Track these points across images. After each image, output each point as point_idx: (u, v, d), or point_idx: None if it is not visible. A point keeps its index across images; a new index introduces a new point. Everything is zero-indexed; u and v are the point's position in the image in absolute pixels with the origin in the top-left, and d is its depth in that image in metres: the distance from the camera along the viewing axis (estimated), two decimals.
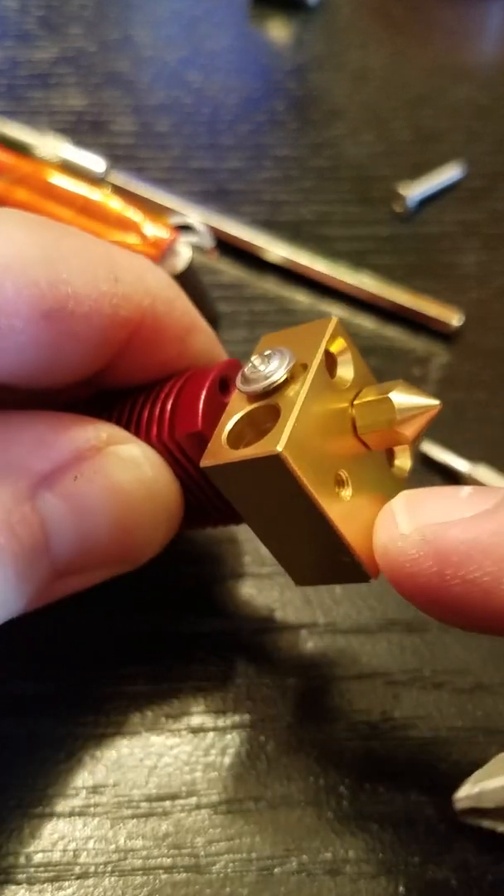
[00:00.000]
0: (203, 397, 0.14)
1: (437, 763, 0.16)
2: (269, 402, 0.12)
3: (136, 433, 0.14)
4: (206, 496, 0.14)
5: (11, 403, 0.13)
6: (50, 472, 0.12)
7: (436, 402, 0.13)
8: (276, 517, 0.13)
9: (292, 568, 0.14)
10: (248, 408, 0.12)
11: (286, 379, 0.12)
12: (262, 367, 0.12)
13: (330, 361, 0.13)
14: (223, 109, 0.33)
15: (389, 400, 0.12)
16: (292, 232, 0.27)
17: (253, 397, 0.12)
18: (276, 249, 0.26)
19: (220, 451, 0.12)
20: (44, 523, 0.12)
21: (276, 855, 0.14)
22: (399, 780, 0.15)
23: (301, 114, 0.33)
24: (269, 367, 0.12)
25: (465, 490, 0.11)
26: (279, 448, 0.11)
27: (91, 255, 0.13)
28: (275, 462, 0.11)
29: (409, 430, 0.13)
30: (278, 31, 0.39)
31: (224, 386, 0.14)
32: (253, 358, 0.13)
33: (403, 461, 0.14)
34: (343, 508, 0.12)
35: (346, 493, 0.13)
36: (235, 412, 0.13)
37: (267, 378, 0.12)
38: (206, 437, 0.13)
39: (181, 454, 0.14)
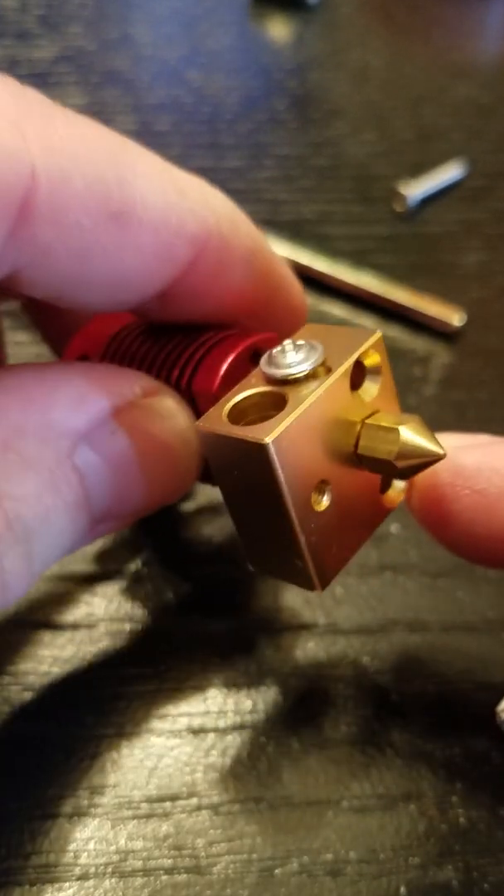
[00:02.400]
0: (228, 361, 0.14)
1: (438, 763, 0.16)
2: (282, 390, 0.12)
3: (161, 373, 0.14)
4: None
5: (65, 324, 0.13)
6: (88, 429, 0.12)
7: (441, 451, 0.13)
8: (248, 500, 0.13)
9: (251, 551, 0.14)
10: (261, 389, 0.12)
11: (307, 375, 0.12)
12: (289, 355, 0.12)
13: (358, 373, 0.13)
14: (223, 108, 0.33)
15: (397, 432, 0.12)
16: (293, 231, 0.27)
17: (270, 380, 0.12)
18: (277, 249, 0.26)
19: (216, 420, 0.12)
20: (83, 479, 0.12)
21: (277, 856, 0.14)
22: (400, 780, 0.15)
23: (301, 113, 0.33)
24: (296, 358, 0.12)
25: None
26: (268, 440, 0.11)
27: (156, 164, 0.12)
28: (259, 450, 0.11)
29: (405, 468, 0.13)
30: (278, 29, 0.39)
31: (256, 356, 0.14)
32: (285, 342, 0.13)
33: (396, 493, 0.14)
34: (312, 516, 0.12)
35: (323, 502, 0.13)
36: (247, 388, 0.13)
37: (290, 367, 0.12)
38: (218, 400, 0.13)
39: (192, 406, 0.14)
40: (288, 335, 0.13)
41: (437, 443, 0.13)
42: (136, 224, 0.12)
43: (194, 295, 0.14)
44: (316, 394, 0.12)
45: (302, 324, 0.14)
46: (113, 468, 0.13)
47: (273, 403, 0.12)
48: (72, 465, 0.12)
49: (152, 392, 0.13)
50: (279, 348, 0.13)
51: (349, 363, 0.12)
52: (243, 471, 0.12)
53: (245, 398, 0.12)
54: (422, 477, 0.13)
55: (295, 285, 0.16)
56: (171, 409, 0.13)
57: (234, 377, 0.13)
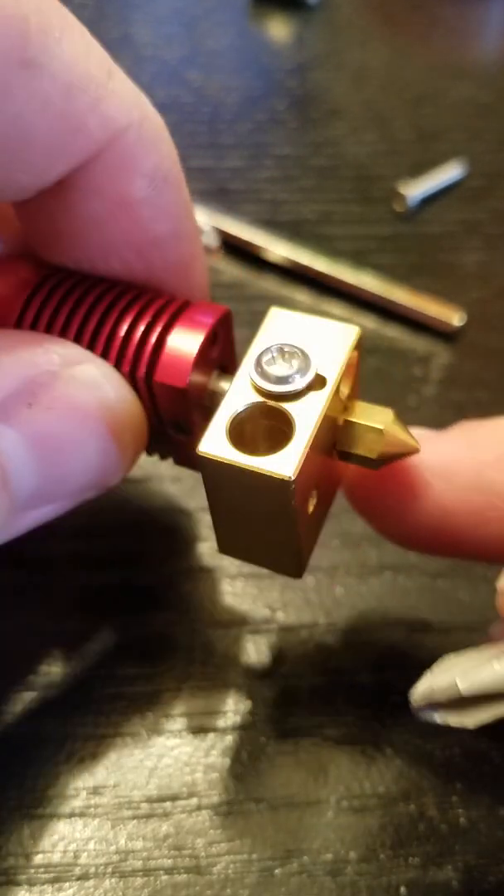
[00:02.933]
0: (196, 353, 0.13)
1: (438, 763, 0.16)
2: (280, 405, 0.12)
3: (97, 349, 0.13)
4: (164, 433, 0.14)
5: None
6: (1, 400, 0.11)
7: (417, 446, 0.13)
8: (244, 511, 0.12)
9: (227, 541, 0.13)
10: (256, 401, 0.12)
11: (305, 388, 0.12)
12: (281, 365, 0.12)
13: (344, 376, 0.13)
14: (223, 108, 0.33)
15: (382, 432, 0.13)
16: (293, 231, 0.27)
17: (264, 393, 0.12)
18: (277, 249, 0.26)
19: (221, 445, 0.11)
20: None
21: (277, 856, 0.14)
22: (400, 780, 0.15)
23: (301, 113, 0.33)
24: (290, 370, 0.12)
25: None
26: (292, 476, 0.11)
27: (86, 37, 0.11)
28: (281, 486, 0.11)
29: (382, 461, 0.13)
30: (278, 29, 0.39)
31: (213, 338, 0.13)
32: (272, 348, 0.12)
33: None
34: (306, 519, 0.13)
35: (313, 503, 0.13)
36: (241, 401, 0.12)
37: (288, 383, 0.12)
38: (188, 395, 0.13)
39: (147, 393, 0.13)
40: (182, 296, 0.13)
41: (412, 437, 0.13)
42: (49, 79, 0.11)
43: (91, 196, 0.12)
44: (321, 411, 0.12)
45: (197, 294, 0.14)
46: (34, 444, 0.12)
47: (273, 417, 0.12)
48: None
49: (74, 360, 0.12)
50: (267, 356, 0.12)
51: (341, 370, 0.12)
52: (250, 494, 0.12)
53: (241, 413, 0.12)
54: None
55: (195, 244, 0.14)
56: (96, 379, 0.12)
57: (201, 366, 0.13)
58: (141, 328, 0.13)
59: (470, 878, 0.14)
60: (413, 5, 0.41)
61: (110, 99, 0.12)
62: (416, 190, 0.28)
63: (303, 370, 0.12)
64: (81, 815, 0.15)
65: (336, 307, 0.25)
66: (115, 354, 0.13)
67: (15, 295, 0.14)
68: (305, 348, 0.12)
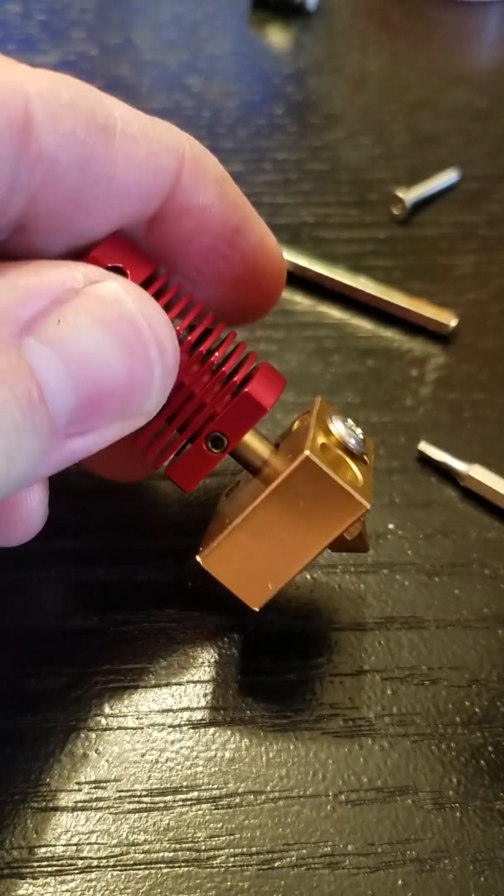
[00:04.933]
0: (282, 387, 0.15)
1: (435, 758, 0.16)
2: (341, 454, 0.15)
3: (205, 344, 0.14)
4: (173, 439, 0.15)
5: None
6: (29, 319, 0.11)
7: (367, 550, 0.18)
8: (282, 524, 0.15)
9: (223, 549, 0.15)
10: (333, 440, 0.15)
11: (361, 455, 0.16)
12: (356, 437, 0.16)
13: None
14: (223, 113, 0.33)
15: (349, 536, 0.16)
16: (291, 234, 0.27)
17: (332, 438, 0.15)
18: None
19: (319, 456, 0.14)
20: (33, 372, 0.11)
21: (276, 849, 0.15)
22: (397, 774, 0.16)
23: (300, 118, 0.34)
24: (359, 440, 0.16)
25: None
26: (367, 504, 0.14)
27: (121, 102, 0.13)
28: (354, 508, 0.14)
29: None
30: (278, 35, 0.39)
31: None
32: (349, 421, 0.16)
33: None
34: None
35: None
36: (326, 432, 0.15)
37: (358, 447, 0.16)
38: (262, 416, 0.15)
39: (225, 399, 0.15)
40: (266, 271, 0.16)
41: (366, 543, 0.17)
42: (121, 135, 0.13)
43: (180, 214, 0.14)
44: (370, 476, 0.15)
45: (275, 263, 0.16)
46: (66, 360, 0.12)
47: (335, 461, 0.15)
48: (17, 354, 0.11)
49: (96, 278, 0.12)
50: (350, 423, 0.16)
51: (372, 460, 0.16)
52: (314, 505, 0.14)
53: (324, 437, 0.15)
54: None
55: (262, 223, 0.16)
56: (117, 293, 0.12)
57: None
58: (239, 340, 0.15)
59: (466, 871, 0.14)
60: (410, 11, 0.41)
61: (165, 136, 0.14)
62: (412, 194, 0.29)
63: (363, 445, 0.16)
64: (84, 808, 0.15)
65: (334, 310, 0.25)
66: (221, 355, 0.15)
67: (138, 265, 0.14)
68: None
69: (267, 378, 0.15)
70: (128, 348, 0.12)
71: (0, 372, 0.11)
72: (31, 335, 0.11)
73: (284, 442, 0.16)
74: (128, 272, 0.14)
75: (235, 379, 0.15)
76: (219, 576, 0.15)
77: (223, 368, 0.15)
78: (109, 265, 0.14)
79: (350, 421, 0.16)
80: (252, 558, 0.15)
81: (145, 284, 0.14)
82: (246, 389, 0.15)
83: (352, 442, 0.15)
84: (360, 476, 0.15)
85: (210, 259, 0.16)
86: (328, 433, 0.15)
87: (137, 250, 0.14)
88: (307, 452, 0.14)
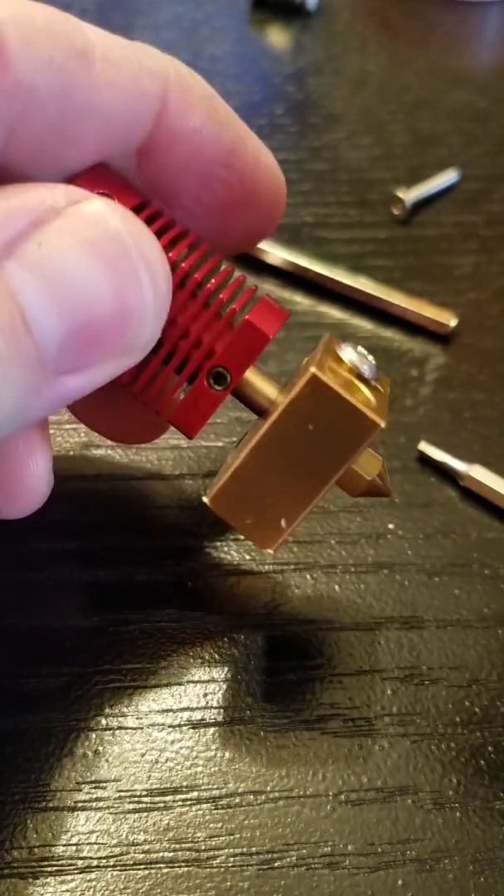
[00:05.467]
0: (286, 317, 0.15)
1: (435, 757, 0.16)
2: (353, 379, 0.14)
3: (199, 273, 0.14)
4: (170, 379, 0.14)
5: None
6: (8, 241, 0.11)
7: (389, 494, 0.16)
8: (293, 452, 0.14)
9: (230, 487, 0.14)
10: (346, 365, 0.14)
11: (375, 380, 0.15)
12: (369, 363, 0.15)
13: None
14: None
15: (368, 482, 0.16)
16: (291, 234, 0.27)
17: (344, 365, 0.15)
18: (276, 252, 0.26)
19: (331, 376, 0.14)
20: (13, 295, 0.11)
21: (276, 849, 0.15)
22: (397, 774, 0.16)
23: (300, 118, 0.34)
24: (372, 367, 0.15)
25: None
26: (382, 423, 0.14)
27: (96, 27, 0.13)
28: (369, 428, 0.14)
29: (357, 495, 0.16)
30: (278, 35, 0.40)
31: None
32: (360, 348, 0.15)
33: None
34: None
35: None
36: (336, 357, 0.14)
37: (371, 373, 0.15)
38: (265, 345, 0.14)
39: (223, 330, 0.14)
40: (266, 188, 0.16)
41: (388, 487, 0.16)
42: (102, 60, 0.12)
43: (171, 141, 0.14)
44: (386, 403, 0.14)
45: (274, 178, 0.16)
46: (50, 285, 0.11)
47: (345, 383, 0.14)
48: None
49: (78, 198, 0.12)
50: (362, 350, 0.15)
51: (387, 392, 0.15)
52: (324, 431, 0.14)
53: (333, 363, 0.14)
54: None
55: (256, 139, 0.16)
56: (101, 212, 0.12)
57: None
58: (237, 274, 0.14)
59: (466, 871, 0.14)
60: (410, 11, 0.41)
61: (147, 59, 0.13)
62: (412, 194, 0.29)
63: (375, 372, 0.15)
64: (84, 808, 0.15)
65: (334, 310, 0.25)
66: (216, 285, 0.14)
67: (124, 193, 0.13)
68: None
69: (268, 307, 0.14)
70: (116, 270, 0.11)
71: None
72: (11, 258, 0.11)
73: (291, 379, 0.15)
74: (114, 199, 0.13)
75: (234, 306, 0.14)
76: (227, 517, 0.14)
77: (220, 297, 0.14)
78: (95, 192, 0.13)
79: (362, 349, 0.15)
80: (262, 495, 0.14)
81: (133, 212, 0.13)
82: (247, 317, 0.14)
83: (364, 368, 0.14)
84: (372, 399, 0.14)
85: (208, 185, 0.15)
86: (338, 360, 0.14)
87: (124, 180, 0.14)
88: (313, 369, 0.13)
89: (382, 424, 0.13)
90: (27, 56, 0.11)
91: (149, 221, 0.13)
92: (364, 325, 0.25)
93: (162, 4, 0.41)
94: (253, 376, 0.15)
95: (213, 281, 0.14)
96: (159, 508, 0.20)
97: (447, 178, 0.30)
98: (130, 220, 0.12)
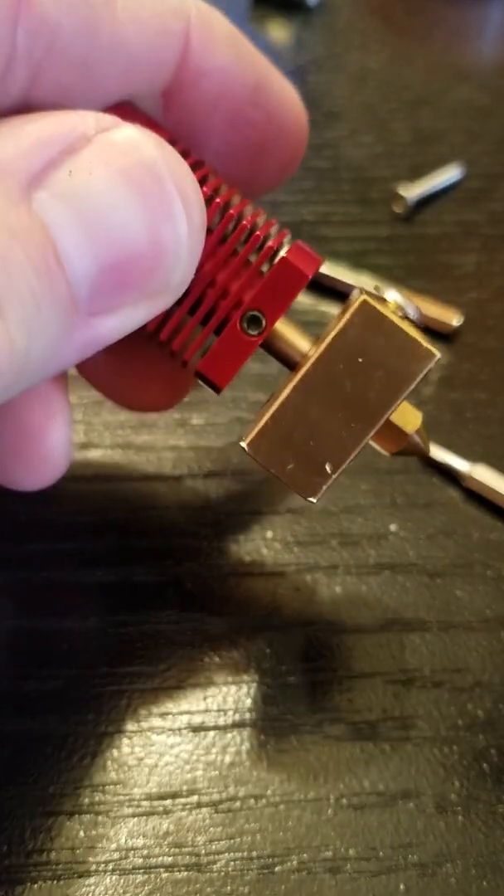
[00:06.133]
0: (321, 260, 0.14)
1: (437, 761, 0.16)
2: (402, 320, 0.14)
3: (234, 209, 0.13)
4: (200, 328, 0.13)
5: None
6: (39, 170, 0.10)
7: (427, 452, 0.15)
8: (342, 388, 0.13)
9: (271, 429, 0.13)
10: (393, 306, 0.14)
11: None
12: (410, 307, 0.16)
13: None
14: None
15: (406, 436, 0.15)
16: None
17: (399, 314, 0.14)
18: None
19: (388, 311, 0.13)
20: (46, 229, 0.10)
21: (277, 853, 0.14)
22: (399, 778, 0.15)
23: None
24: (414, 310, 0.16)
25: None
26: (438, 354, 0.13)
27: None
28: (425, 356, 0.13)
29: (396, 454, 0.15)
30: (278, 32, 0.39)
31: None
32: (402, 299, 0.16)
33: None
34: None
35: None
36: (385, 299, 0.14)
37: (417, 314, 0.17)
38: (304, 285, 0.13)
39: (257, 269, 0.13)
40: (288, 125, 0.15)
41: (427, 444, 0.15)
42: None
43: (196, 80, 0.14)
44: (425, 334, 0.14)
45: (299, 114, 0.16)
46: (81, 216, 0.10)
47: (396, 315, 0.14)
48: (28, 210, 0.10)
49: (109, 125, 0.11)
50: (404, 296, 0.16)
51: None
52: (376, 363, 0.13)
53: (385, 303, 0.13)
54: None
55: (280, 75, 0.15)
56: (134, 138, 0.11)
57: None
58: (275, 221, 0.14)
59: (468, 876, 0.14)
60: (412, 8, 0.41)
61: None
62: (414, 191, 0.28)
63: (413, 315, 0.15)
64: (82, 812, 0.15)
65: (335, 308, 0.25)
66: (250, 222, 0.13)
67: (152, 128, 0.13)
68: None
69: (303, 250, 0.13)
70: (150, 203, 0.11)
71: (10, 230, 0.10)
72: (42, 188, 0.10)
73: (325, 330, 0.14)
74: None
75: (272, 244, 0.13)
76: (267, 463, 0.13)
77: (257, 233, 0.13)
78: None
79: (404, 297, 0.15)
80: (305, 437, 0.13)
81: None
82: (284, 255, 0.13)
83: (410, 310, 0.14)
84: (421, 334, 0.13)
85: (235, 125, 0.15)
86: (383, 301, 0.14)
87: (150, 118, 0.13)
88: (364, 297, 0.13)
89: (438, 355, 0.13)
90: None
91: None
92: None
93: None
94: (284, 327, 0.14)
95: (246, 220, 0.13)
96: (159, 508, 0.20)
97: (449, 175, 0.30)
98: (165, 149, 0.11)
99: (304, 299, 0.25)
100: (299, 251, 0.13)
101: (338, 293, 0.25)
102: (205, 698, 0.16)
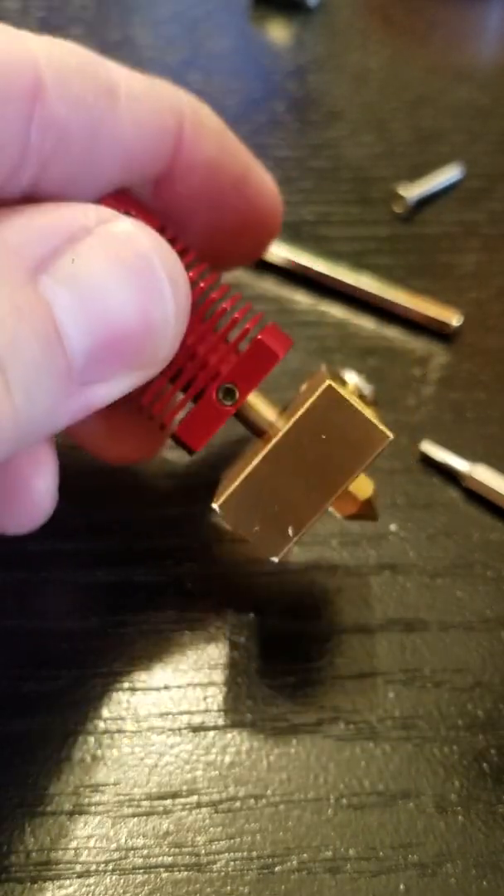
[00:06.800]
0: (291, 343, 0.15)
1: (437, 761, 0.16)
2: (357, 398, 0.15)
3: (214, 294, 0.15)
4: (168, 398, 0.15)
5: None
6: (44, 256, 0.12)
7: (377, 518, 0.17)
8: (303, 460, 0.14)
9: (239, 494, 0.14)
10: (350, 386, 0.16)
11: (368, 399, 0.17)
12: (368, 385, 0.18)
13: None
14: (224, 110, 0.33)
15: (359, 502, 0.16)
16: (292, 232, 0.27)
17: (357, 393, 0.17)
18: (276, 250, 0.26)
19: (345, 391, 0.14)
20: (50, 309, 0.11)
21: (277, 853, 0.14)
22: (399, 778, 0.15)
23: (301, 115, 0.33)
24: (367, 387, 0.18)
25: None
26: (391, 436, 0.14)
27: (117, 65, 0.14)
28: (380, 440, 0.14)
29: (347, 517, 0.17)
30: (278, 32, 0.39)
31: None
32: (354, 374, 0.18)
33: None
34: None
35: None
36: (342, 378, 0.16)
37: (366, 392, 0.19)
38: (275, 364, 0.15)
39: (233, 349, 0.15)
40: (266, 212, 0.17)
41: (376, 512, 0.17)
42: (126, 97, 0.13)
43: (186, 171, 0.15)
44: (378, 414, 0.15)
45: (275, 200, 0.17)
46: (81, 298, 0.12)
47: (355, 398, 0.15)
48: (34, 291, 0.11)
49: (108, 218, 0.13)
50: (361, 377, 0.18)
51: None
52: (336, 439, 0.14)
53: (345, 385, 0.15)
54: None
55: (261, 166, 0.17)
56: (129, 232, 0.12)
57: None
58: (250, 305, 0.15)
59: (468, 876, 0.14)
60: (412, 8, 0.41)
61: (165, 94, 0.15)
62: (414, 191, 0.28)
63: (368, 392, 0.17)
64: (82, 812, 0.15)
65: (335, 308, 0.25)
66: (230, 304, 0.15)
67: (145, 216, 0.14)
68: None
69: (276, 332, 0.15)
70: (142, 288, 0.12)
71: (18, 308, 0.11)
72: (46, 273, 0.11)
73: (291, 404, 0.16)
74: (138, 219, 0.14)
75: (248, 326, 0.15)
76: (234, 524, 0.15)
77: (235, 315, 0.15)
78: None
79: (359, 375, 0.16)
80: (271, 502, 0.14)
81: None
82: (258, 336, 0.15)
83: (366, 391, 0.16)
84: (377, 416, 0.15)
85: (219, 209, 0.16)
86: (343, 382, 0.15)
87: (144, 204, 0.15)
88: (328, 382, 0.14)
89: (391, 436, 0.14)
90: (62, 95, 0.12)
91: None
92: (366, 324, 0.25)
93: (161, 0, 0.41)
94: (256, 399, 0.15)
95: (226, 303, 0.15)
96: (159, 509, 0.20)
97: (450, 174, 0.30)
98: (157, 241, 0.13)
99: (304, 299, 0.25)
100: (273, 333, 0.15)
101: (338, 293, 0.25)
102: (205, 698, 0.16)
